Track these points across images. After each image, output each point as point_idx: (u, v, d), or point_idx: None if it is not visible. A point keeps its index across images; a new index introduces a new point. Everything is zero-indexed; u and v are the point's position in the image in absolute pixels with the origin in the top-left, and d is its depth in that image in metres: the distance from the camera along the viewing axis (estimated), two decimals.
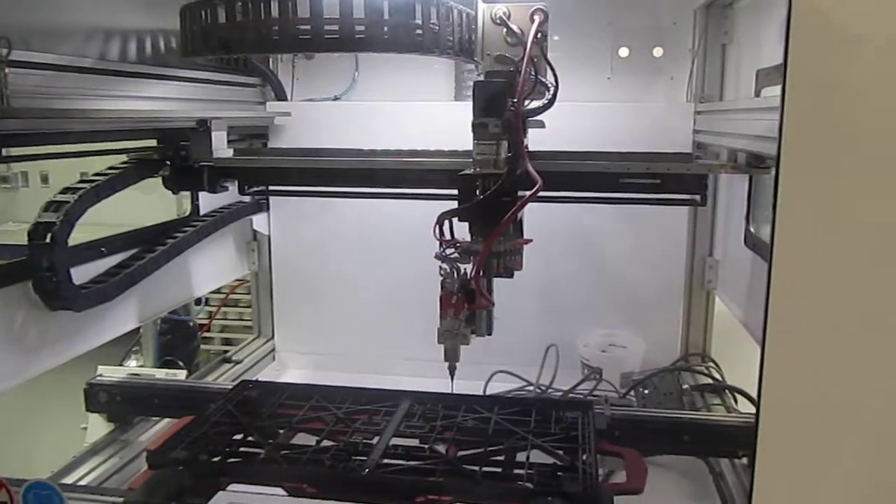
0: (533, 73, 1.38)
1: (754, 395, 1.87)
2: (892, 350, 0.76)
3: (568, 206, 1.81)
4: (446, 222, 1.39)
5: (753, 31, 1.90)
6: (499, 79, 1.40)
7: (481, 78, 1.46)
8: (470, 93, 2.27)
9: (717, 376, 2.14)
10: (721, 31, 2.14)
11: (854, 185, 0.73)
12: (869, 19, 0.71)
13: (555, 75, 1.41)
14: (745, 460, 1.59)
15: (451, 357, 1.46)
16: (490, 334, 1.47)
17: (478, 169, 1.39)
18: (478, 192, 1.37)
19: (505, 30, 1.40)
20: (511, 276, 1.42)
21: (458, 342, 1.43)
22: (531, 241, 1.43)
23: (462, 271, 1.41)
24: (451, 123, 2.21)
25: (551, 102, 1.41)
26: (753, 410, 1.80)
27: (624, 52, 2.27)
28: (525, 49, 1.37)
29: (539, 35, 1.40)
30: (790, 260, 0.75)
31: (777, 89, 1.65)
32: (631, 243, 2.26)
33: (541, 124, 1.43)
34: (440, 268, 1.41)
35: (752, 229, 1.86)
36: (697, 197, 1.66)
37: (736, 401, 1.94)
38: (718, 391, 2.01)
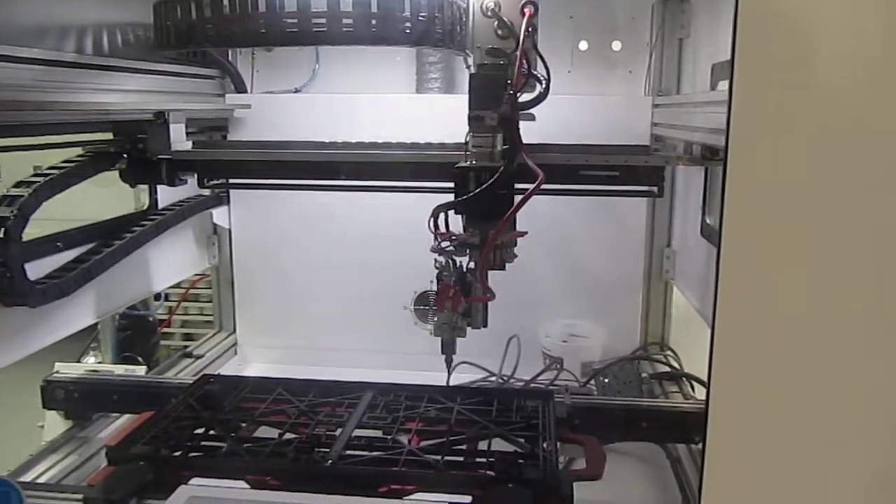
0: (526, 65, 1.37)
1: None
2: (837, 335, 0.79)
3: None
4: (441, 215, 1.38)
5: (709, 25, 1.93)
6: (494, 71, 1.38)
7: (472, 70, 1.43)
8: (431, 85, 2.32)
9: (675, 364, 2.19)
10: (678, 26, 2.18)
11: (800, 176, 0.76)
12: (816, 12, 0.73)
13: (546, 68, 1.40)
14: (701, 445, 1.63)
15: (449, 350, 1.47)
16: (486, 326, 1.47)
17: (473, 161, 1.38)
18: (471, 184, 1.36)
19: (496, 22, 1.38)
20: (503, 268, 1.42)
21: (456, 335, 1.44)
22: (526, 233, 1.43)
23: (458, 264, 1.41)
24: (413, 116, 2.24)
25: (544, 95, 1.40)
26: None
27: (583, 45, 2.29)
28: (519, 41, 1.35)
29: (530, 28, 1.38)
30: (739, 249, 0.77)
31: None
32: (590, 235, 2.29)
33: (531, 117, 1.42)
34: (435, 261, 1.41)
35: (707, 220, 1.90)
36: (655, 188, 1.69)
37: (693, 388, 1.99)
38: (676, 379, 2.06)
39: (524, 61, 1.36)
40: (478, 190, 1.34)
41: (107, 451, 1.34)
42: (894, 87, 0.71)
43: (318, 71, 2.37)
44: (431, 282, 2.35)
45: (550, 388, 1.96)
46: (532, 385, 2.04)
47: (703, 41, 2.01)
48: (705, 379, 1.93)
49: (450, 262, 1.41)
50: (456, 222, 1.42)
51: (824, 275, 0.76)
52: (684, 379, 2.04)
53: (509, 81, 1.36)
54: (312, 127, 2.16)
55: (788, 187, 0.74)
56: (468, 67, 1.46)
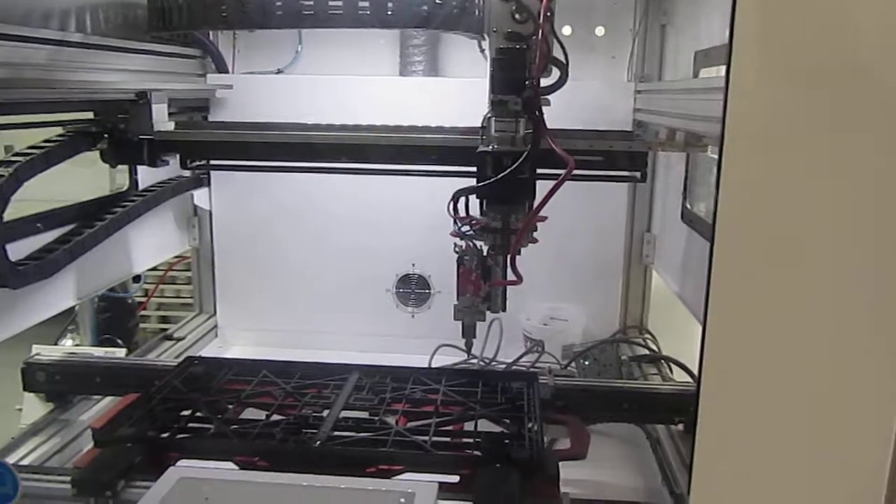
0: (546, 49, 1.34)
1: (688, 364, 1.96)
2: (828, 323, 0.81)
3: None
4: (461, 199, 1.37)
5: (692, 12, 1.95)
6: (515, 56, 1.35)
7: (486, 53, 1.41)
8: (415, 68, 2.31)
9: (654, 347, 2.23)
10: (661, 13, 2.20)
11: (795, 165, 0.77)
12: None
13: (564, 52, 1.37)
14: (680, 426, 1.67)
15: (469, 334, 1.47)
16: (504, 310, 1.48)
17: (495, 146, 1.37)
18: (495, 169, 1.34)
19: (514, 6, 1.34)
20: (519, 252, 1.42)
21: (476, 319, 1.44)
22: (546, 217, 1.43)
23: (478, 248, 1.41)
24: (396, 98, 2.24)
25: (564, 79, 1.37)
26: (688, 379, 1.90)
27: (567, 30, 2.30)
28: (539, 25, 1.32)
29: (548, 13, 1.34)
30: (731, 236, 0.78)
31: (713, 70, 1.71)
32: (571, 219, 2.31)
33: (547, 102, 1.39)
34: (455, 245, 1.41)
35: (688, 205, 1.93)
36: (638, 174, 1.71)
37: (671, 370, 2.03)
38: (655, 361, 2.09)
39: (544, 45, 1.33)
40: (502, 174, 1.33)
41: (93, 432, 1.34)
42: (892, 74, 0.73)
43: (302, 52, 2.35)
44: (413, 265, 2.39)
45: (535, 370, 1.98)
46: (515, 367, 2.06)
47: (685, 28, 2.02)
48: (683, 361, 1.98)
49: (471, 246, 1.40)
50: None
51: (818, 264, 0.78)
52: (663, 361, 2.08)
53: (529, 66, 1.33)
54: (295, 109, 2.14)
55: (783, 175, 0.76)
56: (482, 51, 1.44)
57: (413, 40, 2.29)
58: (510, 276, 1.41)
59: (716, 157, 1.71)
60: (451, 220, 1.42)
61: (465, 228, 1.39)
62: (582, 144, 1.66)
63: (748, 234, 0.77)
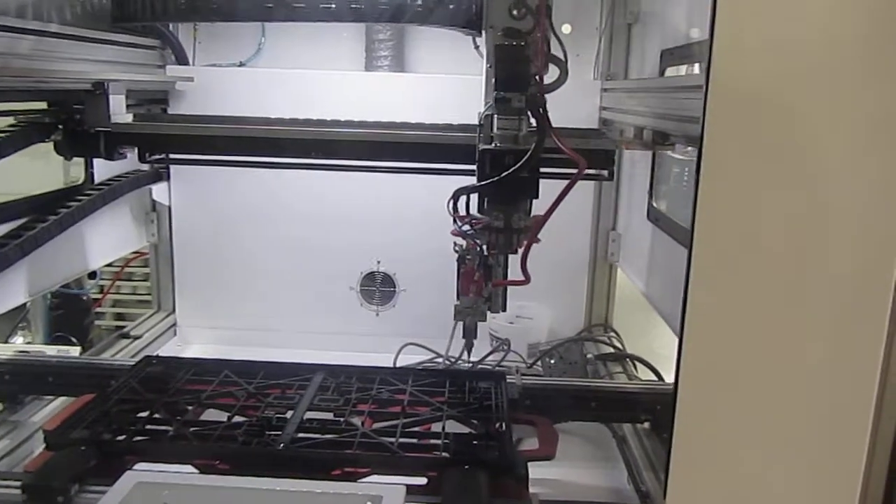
0: (546, 46, 1.31)
1: (653, 362, 1.97)
2: (804, 324, 0.81)
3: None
4: (462, 198, 1.34)
5: (658, 11, 1.96)
6: (518, 52, 1.31)
7: (483, 51, 1.37)
8: (380, 63, 2.28)
9: (619, 345, 2.23)
10: (627, 11, 2.20)
11: (774, 165, 0.77)
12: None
13: (563, 49, 1.35)
14: (646, 425, 1.67)
15: (470, 334, 1.43)
16: (505, 310, 1.44)
17: (498, 144, 1.33)
18: (488, 167, 1.30)
19: (512, 1, 1.30)
20: (516, 252, 1.38)
21: (478, 319, 1.41)
22: (548, 217, 1.41)
23: (479, 247, 1.37)
24: (361, 93, 2.21)
25: (564, 77, 1.34)
26: (653, 377, 1.90)
27: None
28: (540, 21, 1.29)
29: (546, 8, 1.31)
30: (709, 239, 0.77)
31: (676, 70, 1.72)
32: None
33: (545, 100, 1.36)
34: (455, 244, 1.38)
35: (654, 203, 1.93)
36: (605, 172, 1.70)
37: (636, 368, 2.03)
38: (620, 359, 2.09)
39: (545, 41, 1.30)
40: (508, 172, 1.28)
41: (45, 435, 1.29)
42: (872, 75, 0.73)
43: (264, 45, 2.31)
44: (378, 262, 2.36)
45: (502, 369, 1.97)
46: (482, 366, 2.04)
47: (651, 27, 2.03)
48: (647, 359, 1.99)
49: (474, 245, 1.36)
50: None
51: (796, 265, 0.78)
52: (628, 359, 2.08)
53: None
54: (258, 102, 2.11)
55: (762, 175, 0.75)
56: (477, 48, 1.41)
57: (379, 35, 2.26)
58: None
59: (679, 156, 1.72)
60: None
61: (466, 227, 1.36)
62: (549, 142, 1.65)
63: (726, 234, 0.77)
